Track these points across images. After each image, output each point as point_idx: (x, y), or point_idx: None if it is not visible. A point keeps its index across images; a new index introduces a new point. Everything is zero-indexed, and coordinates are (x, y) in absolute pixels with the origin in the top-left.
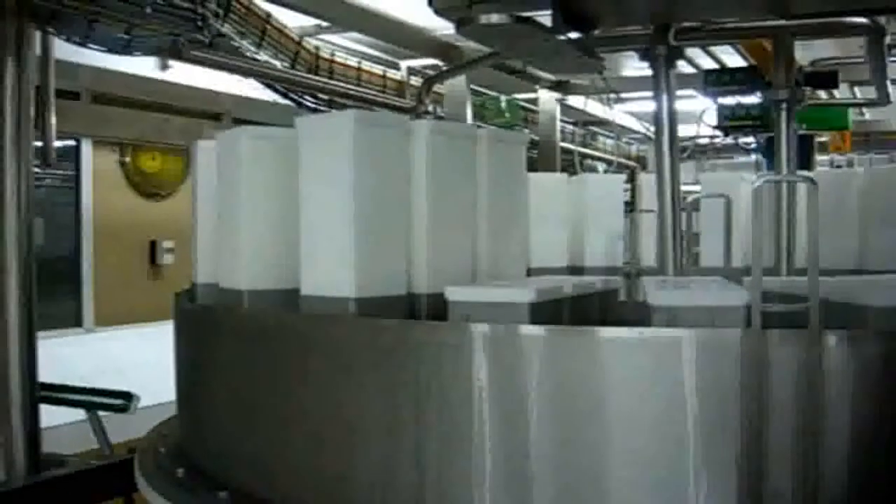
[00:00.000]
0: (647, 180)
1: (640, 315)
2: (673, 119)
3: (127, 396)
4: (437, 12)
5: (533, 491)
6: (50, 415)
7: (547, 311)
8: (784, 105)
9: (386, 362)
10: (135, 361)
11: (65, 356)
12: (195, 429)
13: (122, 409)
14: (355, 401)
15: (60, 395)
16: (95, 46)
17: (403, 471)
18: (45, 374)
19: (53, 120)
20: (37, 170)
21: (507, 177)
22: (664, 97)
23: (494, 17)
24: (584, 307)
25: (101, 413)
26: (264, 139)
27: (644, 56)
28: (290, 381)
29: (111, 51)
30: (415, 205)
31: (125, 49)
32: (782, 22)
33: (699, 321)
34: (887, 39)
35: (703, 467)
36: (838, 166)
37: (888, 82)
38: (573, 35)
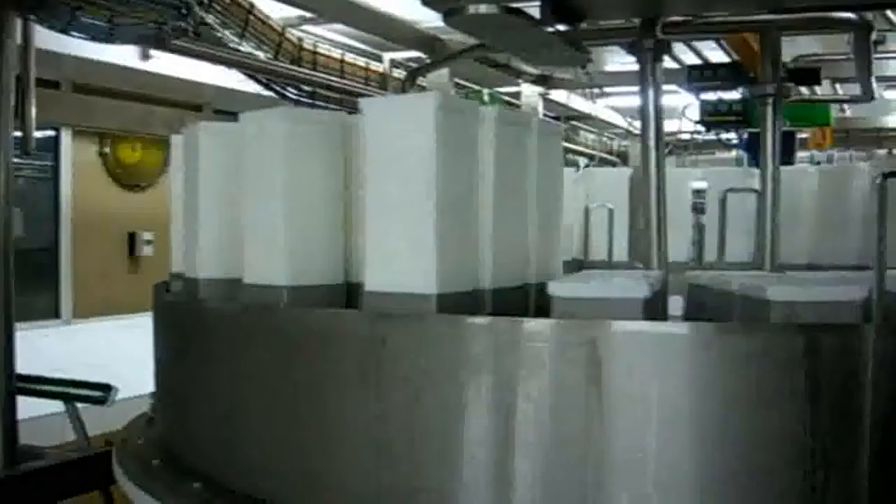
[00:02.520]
0: (601, 175)
1: (752, 310)
2: (659, 113)
3: (105, 388)
4: (425, 3)
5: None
6: (26, 406)
7: (657, 307)
8: (770, 100)
9: (504, 364)
10: (113, 353)
11: (43, 348)
12: (198, 428)
13: (100, 401)
14: (456, 408)
15: (38, 386)
16: (78, 34)
17: (501, 481)
18: (23, 366)
19: (33, 109)
20: (15, 160)
21: (551, 168)
22: (650, 91)
23: (483, 8)
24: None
25: (78, 405)
26: (303, 122)
27: (631, 50)
28: (358, 387)
29: (94, 39)
30: (481, 195)
31: (108, 37)
32: (770, 16)
33: (819, 316)
34: (874, 36)
35: (834, 465)
36: (818, 163)
37: (873, 79)
38: (561, 27)
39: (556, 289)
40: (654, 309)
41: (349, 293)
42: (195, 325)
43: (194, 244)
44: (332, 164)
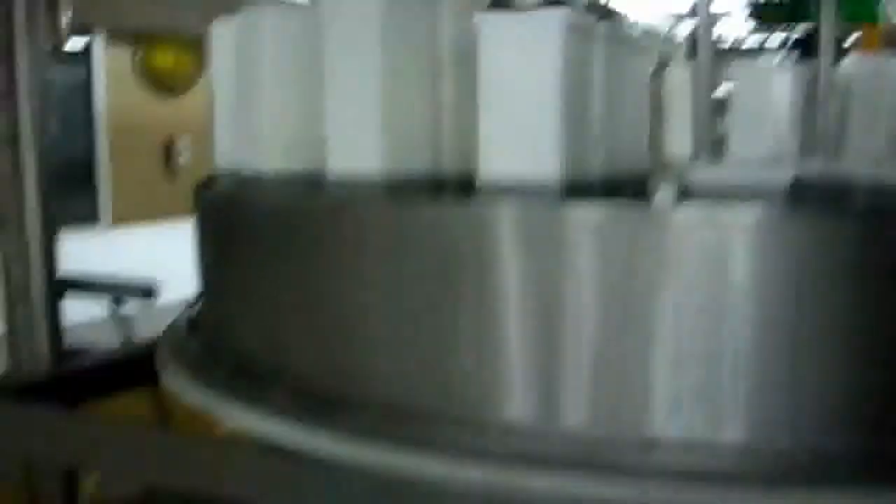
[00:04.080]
0: None
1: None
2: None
3: (149, 286)
4: None
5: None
6: (70, 311)
7: (806, 195)
8: None
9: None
10: (154, 258)
11: (84, 252)
12: (286, 334)
13: (147, 295)
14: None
15: (82, 285)
16: None
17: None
18: (66, 270)
19: (66, 11)
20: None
21: (640, 76)
22: None
23: None
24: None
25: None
26: None
27: None
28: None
29: None
30: (594, 96)
31: None
32: None
33: None
34: None
35: None
36: None
37: None
38: None
39: (698, 174)
40: (810, 197)
41: (439, 183)
42: (276, 220)
43: (256, 134)
44: (426, 44)
